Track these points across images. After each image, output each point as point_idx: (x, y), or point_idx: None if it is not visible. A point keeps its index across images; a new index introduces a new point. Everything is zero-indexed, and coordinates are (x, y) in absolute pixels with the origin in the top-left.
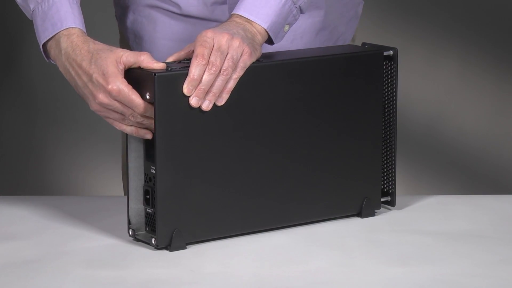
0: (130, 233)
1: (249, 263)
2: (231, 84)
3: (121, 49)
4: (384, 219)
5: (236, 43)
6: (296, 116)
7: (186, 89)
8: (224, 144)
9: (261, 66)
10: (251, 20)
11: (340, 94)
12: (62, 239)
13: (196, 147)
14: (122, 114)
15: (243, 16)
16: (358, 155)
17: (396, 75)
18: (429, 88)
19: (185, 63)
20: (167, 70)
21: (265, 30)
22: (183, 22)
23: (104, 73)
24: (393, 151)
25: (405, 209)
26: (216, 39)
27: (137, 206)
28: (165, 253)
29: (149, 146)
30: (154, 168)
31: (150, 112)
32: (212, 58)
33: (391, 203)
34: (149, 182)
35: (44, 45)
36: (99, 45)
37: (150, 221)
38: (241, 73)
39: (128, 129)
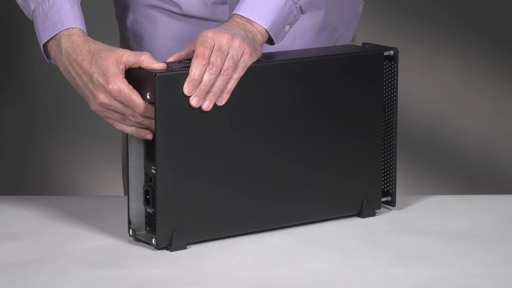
0: (131, 233)
1: (249, 263)
2: (232, 84)
3: (122, 49)
4: (384, 219)
5: (236, 43)
6: (297, 116)
7: (186, 89)
8: (225, 144)
9: (261, 66)
10: (252, 20)
11: (341, 94)
12: (62, 239)
13: (196, 147)
14: (122, 114)
15: (243, 16)
16: (358, 155)
17: (397, 75)
18: (429, 88)
19: (185, 63)
20: (167, 70)
21: (266, 30)
22: (183, 22)
23: (105, 73)
24: (393, 151)
25: (405, 209)
26: (216, 39)
27: (138, 206)
28: (165, 253)
29: (149, 146)
30: (154, 168)
31: (151, 112)
32: (212, 58)
33: (391, 203)
34: (150, 182)
35: (45, 45)
36: (100, 45)
37: (151, 221)
38: (242, 73)
39: (128, 129)
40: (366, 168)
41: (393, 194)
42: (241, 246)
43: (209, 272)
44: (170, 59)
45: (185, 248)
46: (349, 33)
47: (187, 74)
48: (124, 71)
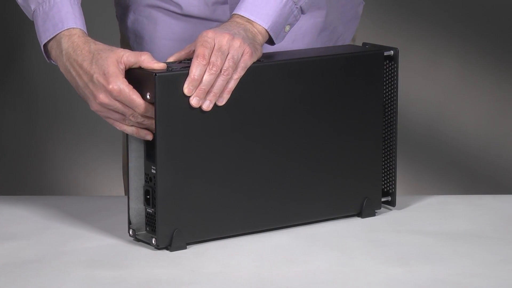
0: (131, 233)
1: (249, 263)
2: (232, 84)
3: (122, 49)
4: (384, 219)
5: (237, 43)
6: (297, 116)
7: (186, 89)
8: (225, 144)
9: (261, 66)
10: (252, 20)
11: (341, 94)
12: (62, 239)
13: (196, 147)
14: (122, 114)
15: (244, 16)
16: (358, 155)
17: (397, 75)
18: (429, 88)
19: (185, 63)
20: (167, 70)
21: (266, 30)
22: (184, 22)
23: (105, 73)
24: (393, 151)
25: (405, 209)
26: (217, 39)
27: (138, 206)
28: (165, 253)
29: (149, 146)
30: (154, 168)
31: (151, 112)
32: (212, 58)
33: (391, 203)
34: (150, 182)
35: (45, 45)
36: (100, 45)
37: (151, 221)
38: (242, 73)
39: (128, 129)
40: (366, 168)
41: (393, 194)
42: (241, 246)
43: (209, 272)
44: (170, 59)
45: (185, 248)
46: (350, 33)
47: (187, 74)
48: (124, 71)
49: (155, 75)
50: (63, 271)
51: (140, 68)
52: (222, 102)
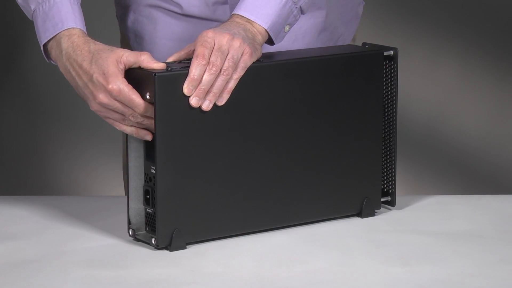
0: (130, 233)
1: (249, 263)
2: (232, 84)
3: (122, 49)
4: (384, 219)
5: (236, 43)
6: (296, 116)
7: (186, 89)
8: (224, 144)
9: (261, 66)
10: (252, 20)
11: (340, 94)
12: (62, 239)
13: (196, 147)
14: (122, 114)
15: (243, 16)
16: (358, 155)
17: (396, 75)
18: (429, 88)
19: (185, 63)
20: (167, 70)
21: (266, 30)
22: (184, 22)
23: (105, 73)
24: (393, 151)
25: (405, 209)
26: (216, 39)
27: (137, 206)
28: (165, 253)
29: (149, 146)
30: (154, 168)
31: (150, 112)
32: (212, 58)
33: (391, 203)
34: (149, 182)
35: (45, 45)
36: (100, 46)
37: (150, 221)
38: (242, 73)
39: (128, 129)
40: (366, 168)
41: (393, 194)
42: (241, 246)
43: (208, 272)
44: (170, 59)
45: (185, 248)
46: (350, 33)
47: (187, 74)
48: (124, 71)
49: (155, 75)
50: (63, 271)
51: (139, 68)
52: (221, 102)
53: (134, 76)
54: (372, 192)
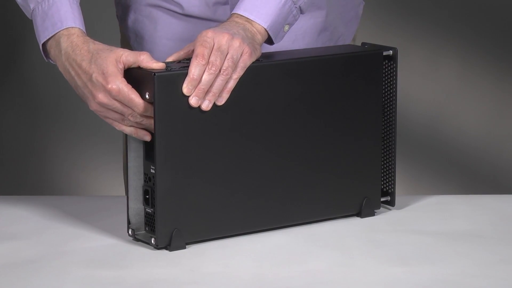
0: (130, 233)
1: (249, 263)
2: (231, 84)
3: (121, 48)
4: (384, 219)
5: (236, 43)
6: (296, 116)
7: (185, 89)
8: (224, 144)
9: (261, 66)
10: (251, 20)
11: (340, 94)
12: (62, 239)
13: (195, 147)
14: (121, 114)
15: (243, 16)
16: (358, 155)
17: (396, 75)
18: (429, 88)
19: (184, 63)
20: (166, 70)
21: (265, 29)
22: (184, 22)
23: (104, 73)
24: (393, 151)
25: (405, 209)
26: (216, 39)
27: (137, 206)
28: (164, 253)
29: (148, 146)
30: (153, 168)
31: (150, 112)
32: (212, 58)
33: (391, 203)
34: (149, 182)
35: (44, 44)
36: (99, 45)
37: (150, 221)
38: (241, 73)
39: (127, 129)
40: (366, 168)
41: (392, 194)
42: (241, 246)
43: (208, 272)
44: (170, 59)
45: (185, 248)
46: (350, 33)
47: (186, 74)
48: (123, 71)
49: (154, 74)
50: (63, 271)
51: (139, 67)
52: (221, 101)
53: (134, 76)
54: (371, 192)
